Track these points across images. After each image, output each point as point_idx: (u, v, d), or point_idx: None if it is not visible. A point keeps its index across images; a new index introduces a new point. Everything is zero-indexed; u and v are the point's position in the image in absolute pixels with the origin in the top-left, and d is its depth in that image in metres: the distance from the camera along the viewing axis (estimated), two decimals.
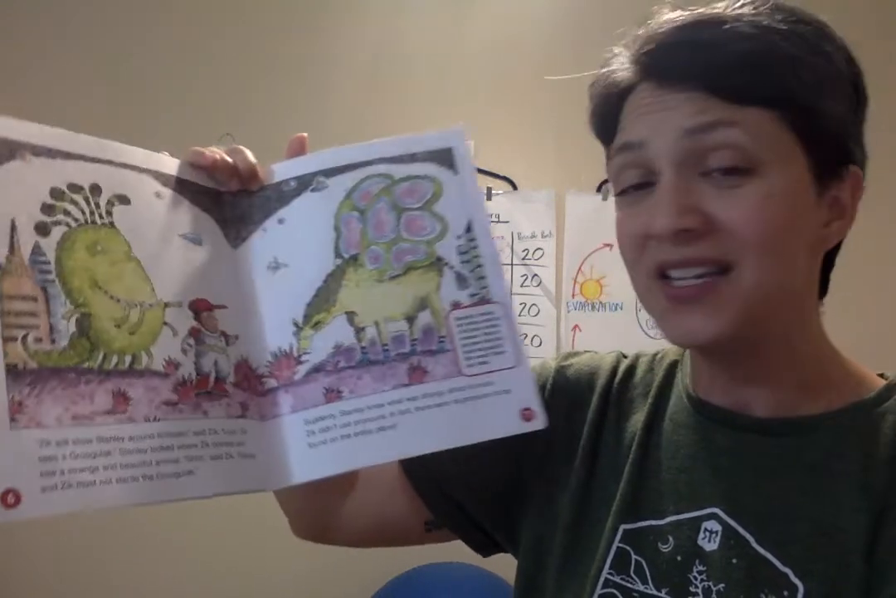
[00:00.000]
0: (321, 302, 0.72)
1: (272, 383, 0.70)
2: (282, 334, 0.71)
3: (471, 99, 2.39)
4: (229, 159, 0.73)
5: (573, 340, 2.34)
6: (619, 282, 2.27)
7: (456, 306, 0.72)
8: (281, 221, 0.73)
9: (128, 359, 0.62)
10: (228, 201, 0.73)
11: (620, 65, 0.71)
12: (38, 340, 0.58)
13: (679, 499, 0.72)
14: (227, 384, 0.67)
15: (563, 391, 0.84)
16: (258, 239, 0.73)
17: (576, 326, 2.34)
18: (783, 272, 0.66)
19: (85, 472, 0.57)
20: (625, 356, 0.86)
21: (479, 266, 0.73)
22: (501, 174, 2.36)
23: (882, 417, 0.69)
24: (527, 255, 2.35)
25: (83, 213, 0.63)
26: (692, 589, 0.68)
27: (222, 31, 2.44)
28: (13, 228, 0.59)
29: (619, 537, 0.74)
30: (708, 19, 0.66)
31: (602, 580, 0.73)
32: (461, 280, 0.73)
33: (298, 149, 0.77)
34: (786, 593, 0.64)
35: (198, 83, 2.39)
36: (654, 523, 0.73)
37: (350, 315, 0.72)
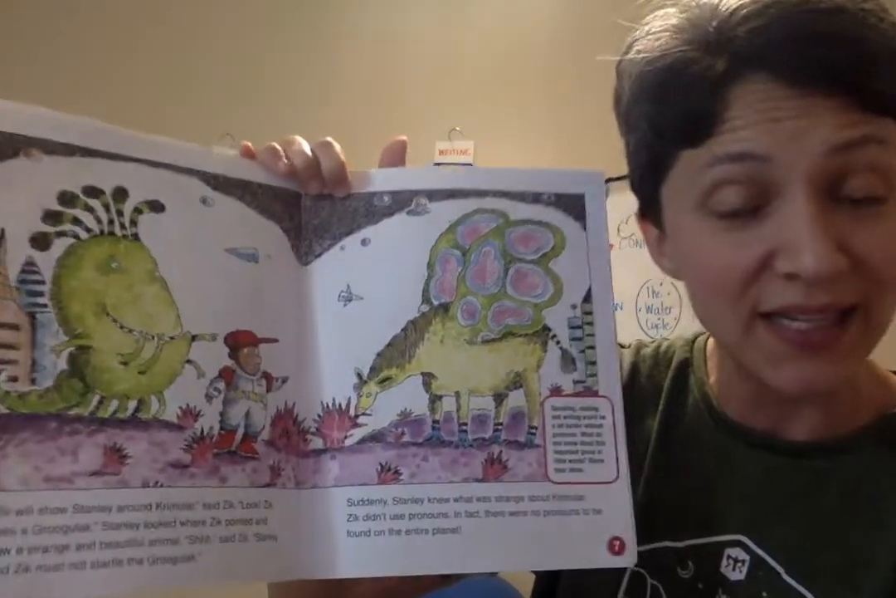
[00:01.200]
0: (395, 354, 0.58)
1: (318, 442, 0.56)
2: (339, 384, 0.57)
3: (470, 99, 2.34)
4: (310, 155, 0.59)
5: None
6: (619, 282, 2.19)
7: (556, 391, 0.58)
8: (364, 243, 0.60)
9: (131, 405, 0.50)
10: (306, 207, 0.60)
11: (696, 46, 0.56)
12: (13, 379, 0.47)
13: (698, 521, 0.66)
14: (257, 443, 0.54)
15: None
16: (333, 258, 0.59)
17: None
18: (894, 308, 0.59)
19: (50, 552, 0.45)
20: (622, 346, 0.77)
21: (591, 348, 0.59)
22: None
23: None
24: None
25: (99, 221, 0.52)
26: None
27: (222, 30, 2.41)
28: (1, 239, 0.48)
29: None
30: (833, 6, 0.53)
31: None
32: (567, 361, 0.59)
33: (396, 156, 0.63)
34: None
35: (197, 82, 2.38)
36: (670, 544, 0.67)
37: (427, 378, 0.58)
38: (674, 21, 0.58)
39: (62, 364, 0.48)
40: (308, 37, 2.41)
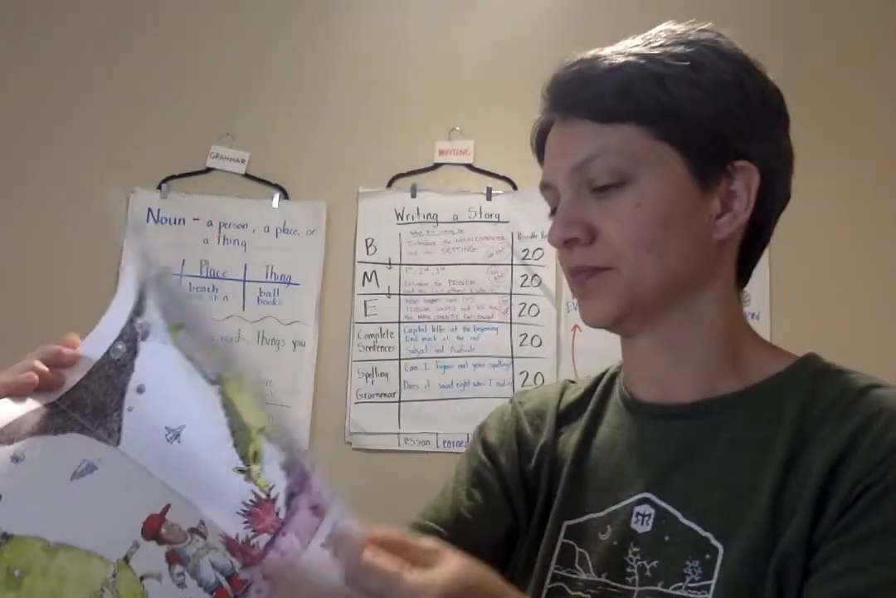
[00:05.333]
0: (241, 434, 0.63)
1: (264, 537, 0.62)
2: (236, 488, 0.63)
3: (470, 98, 2.42)
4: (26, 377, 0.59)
5: (573, 339, 2.35)
6: None
7: None
8: (140, 390, 0.62)
9: None
10: (68, 405, 0.60)
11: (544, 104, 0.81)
12: None
13: (615, 491, 0.78)
14: (239, 576, 0.61)
15: (526, 424, 0.89)
16: (132, 422, 0.61)
17: (576, 326, 2.35)
18: (665, 265, 0.74)
19: None
20: (572, 382, 0.93)
21: None
22: (501, 174, 2.40)
23: (796, 385, 0.74)
24: (527, 255, 2.39)
25: None
26: (628, 570, 0.74)
27: (222, 30, 2.45)
28: None
29: (562, 533, 0.79)
30: (591, 57, 0.76)
31: (550, 575, 0.78)
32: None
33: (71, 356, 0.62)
34: (707, 556, 0.70)
35: (197, 82, 2.42)
36: (594, 516, 0.78)
37: (262, 431, 0.63)
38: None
39: None
40: (308, 37, 2.44)
